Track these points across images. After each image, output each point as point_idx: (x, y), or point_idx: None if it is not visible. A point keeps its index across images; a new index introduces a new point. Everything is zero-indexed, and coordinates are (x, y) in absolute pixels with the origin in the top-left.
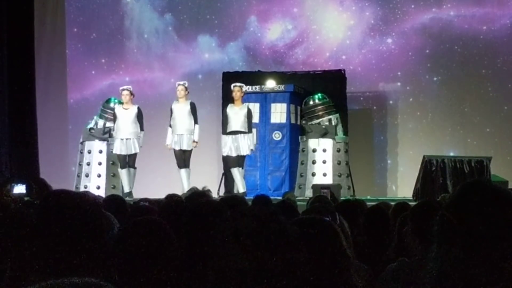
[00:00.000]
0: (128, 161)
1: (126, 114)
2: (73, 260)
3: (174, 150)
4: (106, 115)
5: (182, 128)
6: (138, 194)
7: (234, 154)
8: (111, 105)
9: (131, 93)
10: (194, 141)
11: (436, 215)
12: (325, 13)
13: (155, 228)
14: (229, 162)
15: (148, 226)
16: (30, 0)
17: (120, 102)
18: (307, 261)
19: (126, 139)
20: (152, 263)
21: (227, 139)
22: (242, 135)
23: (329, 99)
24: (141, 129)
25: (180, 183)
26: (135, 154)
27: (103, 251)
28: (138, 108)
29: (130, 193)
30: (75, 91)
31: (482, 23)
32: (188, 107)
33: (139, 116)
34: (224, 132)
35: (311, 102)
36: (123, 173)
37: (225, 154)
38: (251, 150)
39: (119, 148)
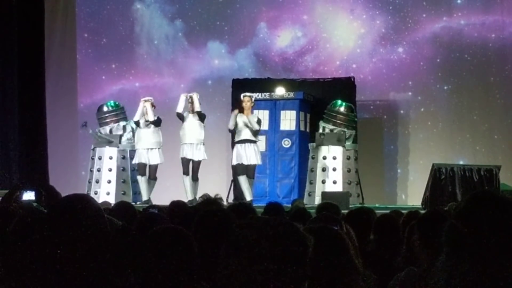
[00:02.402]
0: (149, 172)
1: (147, 124)
2: (78, 266)
3: (183, 159)
4: (105, 121)
5: (192, 138)
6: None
7: (241, 162)
8: (104, 109)
9: (152, 105)
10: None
11: (443, 225)
12: (335, 21)
13: (179, 237)
14: (237, 170)
15: (172, 236)
16: (40, 5)
17: (116, 105)
18: (315, 271)
19: (148, 149)
20: (174, 273)
21: (235, 148)
22: (250, 144)
23: (354, 114)
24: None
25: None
26: (156, 165)
27: (108, 255)
28: (158, 118)
29: (147, 202)
30: (85, 96)
31: (491, 31)
32: (197, 117)
33: (160, 126)
34: (233, 141)
35: (337, 108)
36: (141, 180)
37: (234, 163)
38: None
39: (140, 157)
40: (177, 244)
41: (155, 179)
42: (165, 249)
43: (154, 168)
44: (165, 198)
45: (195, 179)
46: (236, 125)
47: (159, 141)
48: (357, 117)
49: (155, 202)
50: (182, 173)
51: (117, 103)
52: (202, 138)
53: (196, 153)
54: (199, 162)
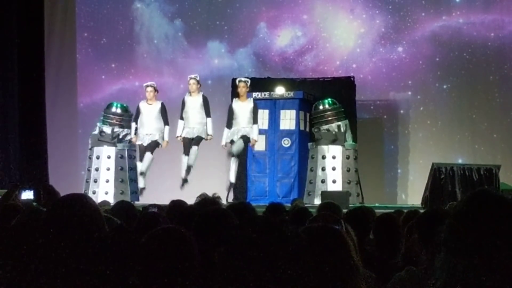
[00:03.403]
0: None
1: (149, 110)
2: (76, 265)
3: (184, 138)
4: (109, 121)
5: (194, 121)
6: (148, 199)
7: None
8: (113, 109)
9: (155, 89)
10: (208, 135)
11: (443, 224)
12: (335, 20)
13: (180, 238)
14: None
15: (172, 236)
16: (40, 5)
17: (123, 106)
18: (314, 270)
19: (149, 134)
20: (173, 274)
21: (230, 133)
22: (246, 129)
23: (339, 105)
24: (166, 123)
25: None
26: (156, 145)
27: (103, 255)
28: (162, 104)
29: (142, 173)
30: (85, 95)
31: (490, 29)
32: (201, 100)
33: (163, 112)
34: (229, 127)
35: (321, 107)
36: (138, 165)
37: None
38: (254, 140)
39: (141, 139)
40: (178, 244)
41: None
42: (165, 249)
43: (153, 145)
44: (165, 198)
45: (195, 144)
46: (232, 111)
47: (161, 127)
48: (342, 107)
49: (155, 201)
50: (183, 152)
51: (126, 106)
52: (204, 122)
53: (196, 134)
54: (201, 138)
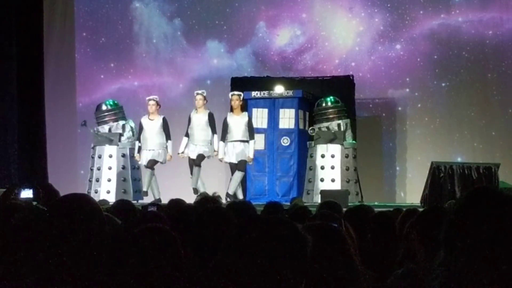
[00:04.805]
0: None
1: (151, 125)
2: (75, 265)
3: (189, 158)
4: (104, 119)
5: (199, 139)
6: (148, 198)
7: (235, 161)
8: (103, 108)
9: (158, 104)
10: (215, 151)
11: (442, 222)
12: (334, 19)
13: (161, 236)
14: (231, 169)
15: (155, 234)
16: (39, 4)
17: (114, 104)
18: (314, 268)
19: (152, 150)
20: (157, 272)
21: (227, 147)
22: (242, 142)
23: (342, 104)
24: (168, 138)
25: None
26: (155, 162)
27: (104, 255)
28: (164, 118)
29: (146, 193)
30: (84, 95)
31: (488, 27)
32: (206, 117)
33: (165, 126)
34: (224, 139)
35: (323, 105)
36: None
37: (228, 161)
38: (250, 158)
39: (145, 159)
40: (161, 243)
41: (153, 168)
42: (146, 248)
43: (153, 162)
44: (165, 197)
45: (197, 164)
46: (227, 125)
47: (163, 142)
48: (345, 106)
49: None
50: (190, 173)
51: (115, 101)
52: (209, 139)
53: (201, 151)
54: (203, 156)
